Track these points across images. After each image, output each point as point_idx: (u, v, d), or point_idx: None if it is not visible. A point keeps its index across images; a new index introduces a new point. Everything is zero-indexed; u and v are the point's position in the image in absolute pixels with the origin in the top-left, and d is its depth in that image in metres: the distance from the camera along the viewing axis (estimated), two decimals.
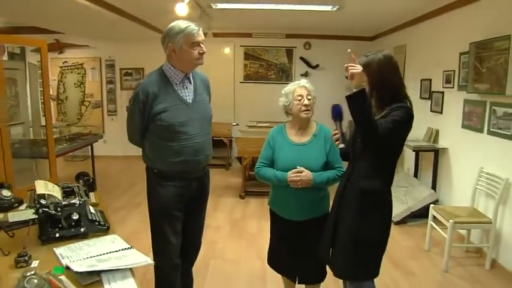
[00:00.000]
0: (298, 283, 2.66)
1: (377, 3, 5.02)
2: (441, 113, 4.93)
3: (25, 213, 2.28)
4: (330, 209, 2.38)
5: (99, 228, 2.03)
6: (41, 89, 6.17)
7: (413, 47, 5.90)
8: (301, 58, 8.12)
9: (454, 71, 4.56)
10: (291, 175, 2.35)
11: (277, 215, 2.55)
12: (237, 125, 7.56)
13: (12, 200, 2.39)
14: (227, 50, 8.16)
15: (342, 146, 2.09)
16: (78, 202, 1.94)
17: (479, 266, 3.68)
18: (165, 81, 2.28)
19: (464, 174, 4.29)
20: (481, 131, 3.97)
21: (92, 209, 2.17)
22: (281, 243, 2.61)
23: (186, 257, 2.61)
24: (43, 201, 1.88)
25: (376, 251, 2.15)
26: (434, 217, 3.93)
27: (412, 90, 5.62)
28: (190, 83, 2.36)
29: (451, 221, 3.54)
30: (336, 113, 2.10)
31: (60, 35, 7.71)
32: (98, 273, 1.53)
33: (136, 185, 6.01)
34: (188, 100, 2.31)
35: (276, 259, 2.67)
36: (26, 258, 1.66)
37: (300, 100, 2.43)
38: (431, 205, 4.07)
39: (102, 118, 8.49)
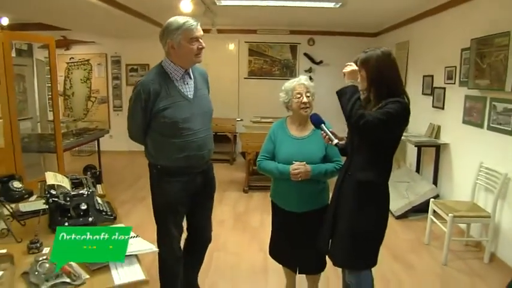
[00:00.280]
0: (299, 273, 2.73)
1: (379, 0, 5.06)
2: (443, 108, 4.97)
3: (35, 203, 2.38)
4: (329, 201, 2.46)
5: (106, 217, 2.12)
6: (49, 84, 6.30)
7: (415, 44, 5.94)
8: (305, 54, 8.17)
9: (456, 67, 4.60)
10: (292, 167, 2.42)
11: (278, 206, 2.63)
12: (241, 120, 7.63)
13: (23, 191, 2.47)
14: (231, 46, 8.22)
15: (335, 142, 2.21)
16: (86, 192, 2.02)
17: (478, 260, 3.74)
18: (165, 77, 2.27)
19: (465, 170, 4.34)
20: (481, 126, 4.02)
21: (99, 200, 2.26)
22: (282, 235, 2.68)
23: (194, 252, 2.66)
24: (53, 192, 1.97)
25: (373, 242, 2.22)
26: (434, 211, 3.99)
27: (415, 86, 5.70)
28: (191, 78, 2.36)
29: (450, 215, 3.60)
30: (315, 121, 2.33)
31: (67, 32, 7.84)
32: None
33: (141, 180, 6.10)
34: (189, 96, 2.31)
35: (277, 250, 2.75)
36: (38, 245, 1.76)
37: (299, 98, 2.50)
38: (432, 199, 4.13)
39: (108, 113, 8.59)
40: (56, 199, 1.93)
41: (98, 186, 2.63)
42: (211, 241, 2.73)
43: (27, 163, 4.24)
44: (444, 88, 4.93)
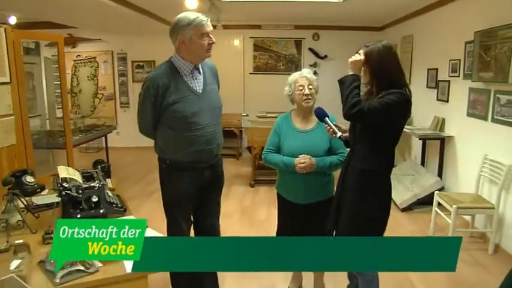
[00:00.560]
0: None
1: None
2: (447, 101, 4.99)
3: (47, 197, 2.46)
4: (334, 193, 2.52)
5: (117, 209, 2.18)
6: (57, 82, 6.38)
7: (420, 37, 5.94)
8: (310, 49, 8.18)
9: (460, 60, 4.61)
10: (298, 160, 2.48)
11: (284, 198, 2.69)
12: (247, 115, 7.69)
13: (35, 185, 2.54)
14: (236, 42, 8.26)
15: (339, 134, 2.26)
16: (97, 185, 2.09)
17: (482, 251, 3.77)
18: (175, 72, 2.29)
19: (469, 162, 4.37)
20: (485, 118, 4.04)
21: (109, 193, 2.33)
22: (288, 226, 2.74)
23: None
24: (65, 185, 2.04)
25: (375, 230, 2.26)
26: (439, 203, 4.02)
27: (419, 80, 5.72)
28: (200, 73, 2.38)
29: (454, 206, 3.64)
30: (320, 115, 2.37)
31: (73, 30, 7.91)
32: None
33: (149, 175, 6.19)
34: (198, 90, 2.33)
35: None
36: (52, 235, 1.82)
37: (301, 90, 2.56)
38: (436, 191, 4.16)
39: (115, 110, 8.68)
40: (68, 191, 2.00)
41: (108, 180, 2.70)
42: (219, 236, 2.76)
43: (37, 160, 4.32)
44: (448, 81, 4.95)
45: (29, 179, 2.54)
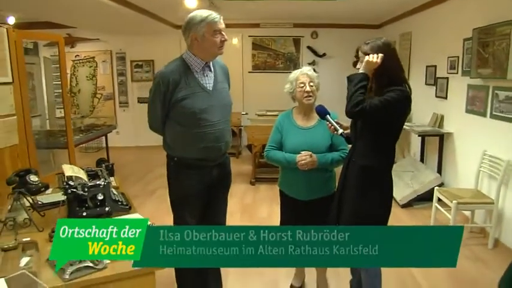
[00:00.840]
0: None
1: None
2: (446, 98, 5.02)
3: (52, 196, 2.48)
4: (336, 189, 2.55)
5: (122, 207, 2.20)
6: (56, 82, 6.38)
7: (418, 34, 5.97)
8: (308, 47, 8.21)
9: (458, 56, 4.64)
10: (300, 157, 2.50)
11: (286, 195, 2.71)
12: (246, 114, 7.71)
13: (40, 184, 2.56)
14: (235, 41, 8.27)
15: (341, 131, 2.30)
16: (103, 183, 2.11)
17: (482, 246, 3.81)
18: (186, 69, 2.30)
19: (469, 158, 4.40)
20: (484, 115, 4.07)
21: (114, 191, 2.35)
22: (290, 223, 2.75)
23: None
24: (71, 183, 2.06)
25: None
26: (439, 199, 4.06)
27: (418, 77, 5.75)
28: (211, 71, 2.39)
29: (454, 201, 3.68)
30: (321, 112, 2.41)
31: (72, 30, 7.91)
32: None
33: (150, 174, 6.21)
34: (208, 88, 2.34)
35: None
36: None
37: (302, 87, 2.58)
38: (436, 187, 4.20)
39: (114, 110, 8.69)
40: (74, 190, 2.02)
41: (111, 178, 2.72)
42: None
43: (38, 159, 4.34)
44: (447, 78, 4.98)
45: (33, 178, 2.56)
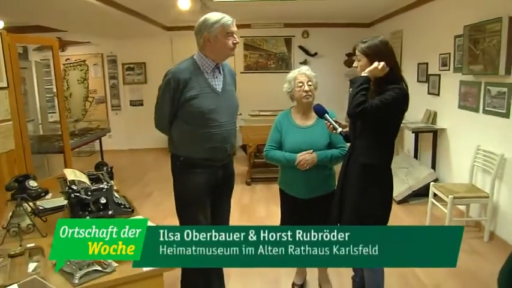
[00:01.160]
0: None
1: None
2: (438, 95, 5.09)
3: (53, 201, 2.48)
4: (335, 187, 2.57)
5: (125, 210, 2.21)
6: (48, 86, 6.35)
7: (409, 32, 6.04)
8: (300, 47, 8.24)
9: (450, 53, 4.70)
10: (300, 156, 2.53)
11: (286, 194, 2.73)
12: (240, 114, 7.68)
13: (39, 189, 2.55)
14: None
15: (339, 130, 2.33)
16: (105, 187, 2.11)
17: (478, 239, 3.87)
18: (196, 69, 2.32)
19: (462, 153, 4.46)
20: (476, 110, 4.13)
21: (116, 194, 2.35)
22: (291, 221, 2.77)
23: None
24: (74, 187, 2.05)
25: (378, 224, 2.31)
26: (434, 194, 4.11)
27: (410, 74, 5.80)
28: (220, 73, 2.42)
29: (450, 196, 3.73)
30: (319, 111, 2.44)
31: (62, 33, 7.85)
32: None
33: (145, 177, 6.19)
34: (218, 89, 2.36)
35: None
36: None
37: (300, 87, 2.61)
38: (432, 183, 4.25)
39: (106, 113, 8.63)
40: (77, 194, 2.02)
41: (111, 181, 2.71)
42: None
43: (33, 164, 4.31)
44: (439, 75, 5.04)
45: (32, 183, 2.55)
